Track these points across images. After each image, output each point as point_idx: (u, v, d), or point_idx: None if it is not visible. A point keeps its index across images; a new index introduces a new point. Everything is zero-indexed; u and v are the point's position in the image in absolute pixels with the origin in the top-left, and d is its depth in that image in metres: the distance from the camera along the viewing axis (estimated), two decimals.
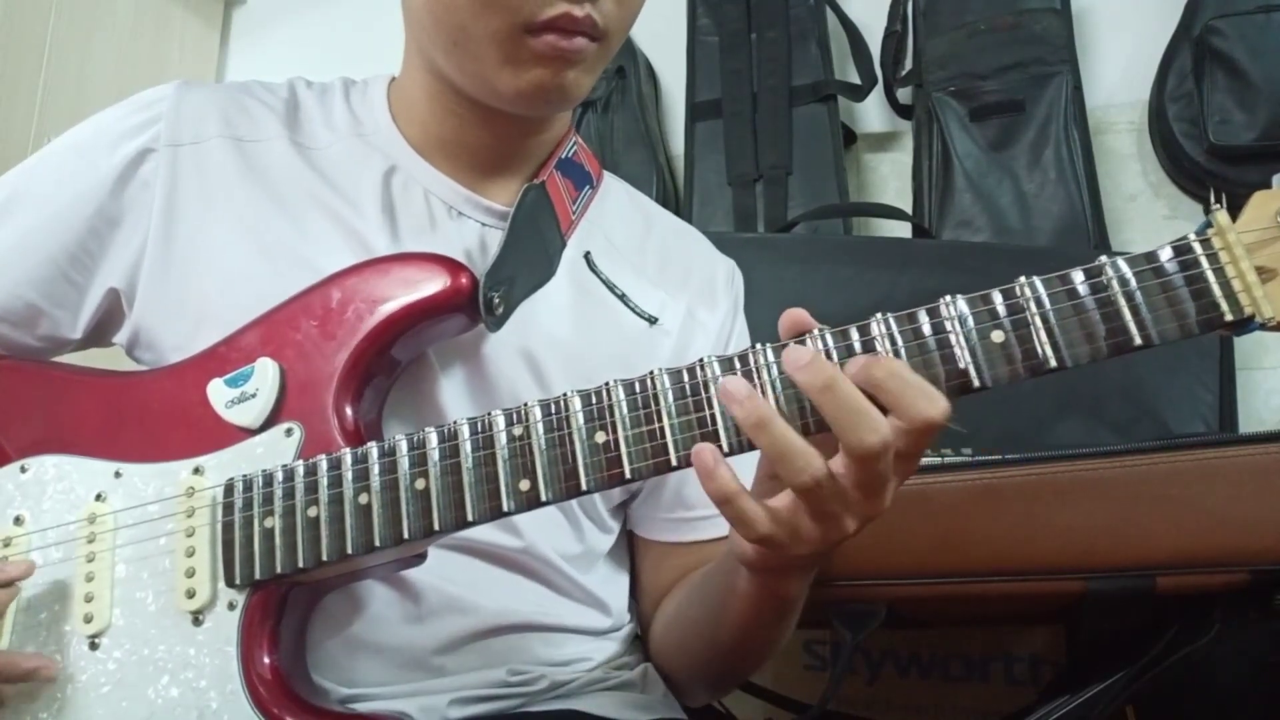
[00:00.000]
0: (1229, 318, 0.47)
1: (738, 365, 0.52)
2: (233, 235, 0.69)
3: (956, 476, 0.80)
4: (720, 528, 0.75)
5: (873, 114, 1.55)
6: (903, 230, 1.39)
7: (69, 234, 0.70)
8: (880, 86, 1.47)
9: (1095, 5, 1.43)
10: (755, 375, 0.52)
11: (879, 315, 0.51)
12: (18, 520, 0.66)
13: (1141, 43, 1.37)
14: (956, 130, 1.37)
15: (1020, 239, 1.29)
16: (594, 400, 0.54)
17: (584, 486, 0.53)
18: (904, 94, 1.48)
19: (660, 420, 0.53)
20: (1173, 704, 0.85)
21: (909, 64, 1.46)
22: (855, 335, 0.51)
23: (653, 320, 0.76)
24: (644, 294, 0.77)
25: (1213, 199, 0.48)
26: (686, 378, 0.53)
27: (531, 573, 0.71)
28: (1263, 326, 0.47)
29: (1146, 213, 1.36)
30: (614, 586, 0.79)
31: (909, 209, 1.40)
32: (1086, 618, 0.82)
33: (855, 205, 1.45)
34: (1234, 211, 0.49)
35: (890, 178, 1.52)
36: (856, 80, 1.47)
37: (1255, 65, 1.22)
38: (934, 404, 0.48)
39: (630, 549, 0.82)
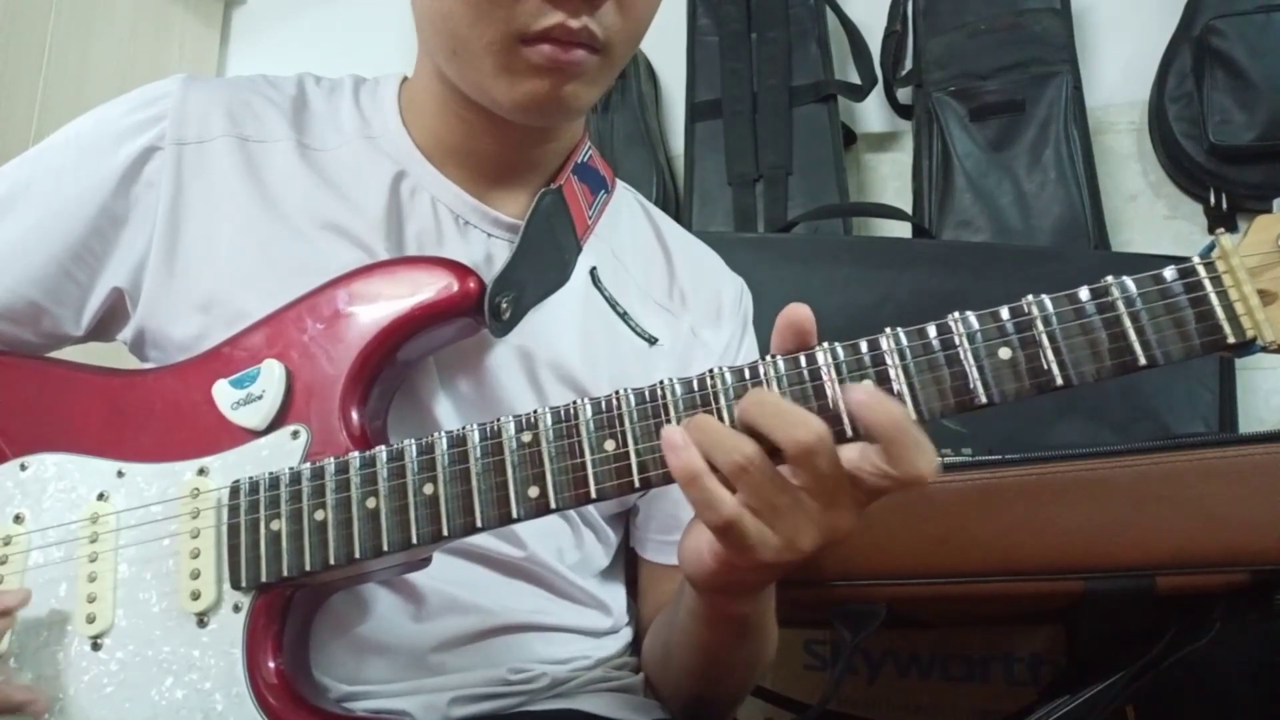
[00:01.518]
0: (1231, 340, 0.47)
1: (748, 376, 0.52)
2: (236, 236, 0.68)
3: (956, 476, 0.80)
4: None
5: (873, 114, 1.55)
6: (903, 230, 1.39)
7: (72, 233, 0.69)
8: (880, 86, 1.47)
9: (1095, 5, 1.43)
10: (766, 387, 0.51)
11: (888, 330, 0.51)
12: (18, 518, 0.65)
13: (1141, 43, 1.37)
14: (956, 130, 1.37)
15: (1020, 239, 1.29)
16: (604, 408, 0.54)
17: (593, 494, 0.53)
18: (904, 94, 1.48)
19: None
20: (1173, 704, 0.85)
21: (909, 64, 1.47)
22: (865, 349, 0.51)
23: (652, 341, 0.75)
24: (646, 313, 0.76)
25: (1212, 229, 0.48)
26: (697, 388, 0.53)
27: (533, 577, 0.71)
28: (1264, 349, 0.48)
29: (1146, 213, 1.36)
30: (614, 589, 0.79)
31: (909, 209, 1.40)
32: (1086, 618, 0.82)
33: (855, 205, 1.45)
34: (1233, 211, 0.49)
35: (890, 178, 1.52)
36: (856, 80, 1.47)
37: (1255, 65, 1.22)
38: (929, 463, 0.48)
39: (630, 565, 0.82)
